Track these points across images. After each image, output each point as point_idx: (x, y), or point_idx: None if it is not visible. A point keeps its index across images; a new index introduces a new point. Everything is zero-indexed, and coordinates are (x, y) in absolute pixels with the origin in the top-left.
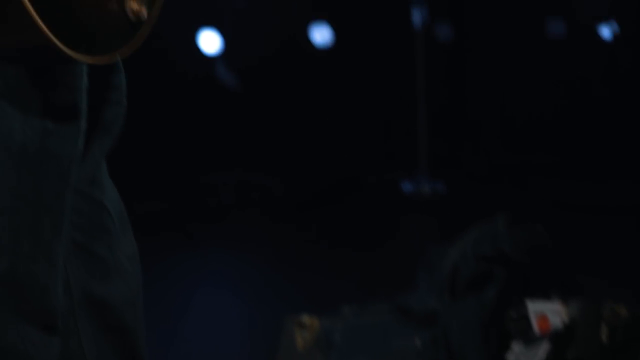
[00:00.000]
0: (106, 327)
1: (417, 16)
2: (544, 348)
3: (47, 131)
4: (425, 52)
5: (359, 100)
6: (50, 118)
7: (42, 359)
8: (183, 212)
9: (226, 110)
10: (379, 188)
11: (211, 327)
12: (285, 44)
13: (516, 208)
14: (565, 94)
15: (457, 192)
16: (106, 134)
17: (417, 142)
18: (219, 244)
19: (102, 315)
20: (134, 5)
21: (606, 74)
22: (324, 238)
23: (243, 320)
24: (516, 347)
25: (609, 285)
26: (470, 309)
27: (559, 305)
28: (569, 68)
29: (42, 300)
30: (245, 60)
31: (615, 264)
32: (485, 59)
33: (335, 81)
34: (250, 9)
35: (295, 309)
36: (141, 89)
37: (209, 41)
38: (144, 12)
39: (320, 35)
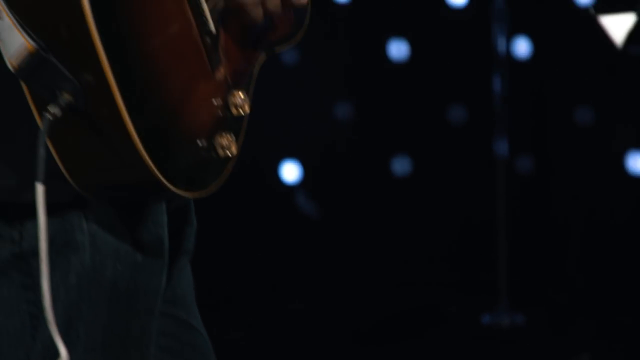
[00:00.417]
0: None
1: (500, 147)
2: None
3: (137, 266)
4: (506, 183)
5: (438, 228)
6: (139, 254)
7: None
8: (262, 340)
9: (306, 239)
10: (457, 319)
11: None
12: (365, 174)
13: (600, 347)
14: None
15: (538, 325)
16: (185, 254)
17: (497, 273)
18: None
19: None
20: (224, 141)
21: None
22: None
23: None
24: None
25: None
26: None
27: None
28: None
29: None
30: (326, 190)
31: None
32: (567, 192)
33: (414, 209)
34: (330, 140)
35: None
36: (221, 218)
37: (290, 171)
38: (234, 148)
39: (400, 165)
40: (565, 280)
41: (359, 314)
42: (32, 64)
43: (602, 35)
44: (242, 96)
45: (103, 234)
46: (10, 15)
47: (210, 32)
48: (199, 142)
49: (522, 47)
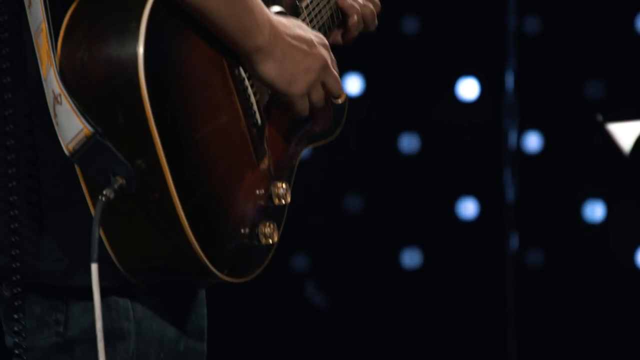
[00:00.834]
0: None
1: (510, 241)
2: None
3: (180, 355)
4: (516, 276)
5: (449, 321)
6: (182, 343)
7: None
8: None
9: (315, 329)
10: None
11: None
12: (375, 266)
13: None
14: None
15: None
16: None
17: None
18: None
19: None
20: (266, 230)
21: None
22: None
23: None
24: None
25: None
26: None
27: None
28: None
29: None
30: (335, 281)
31: None
32: (576, 285)
33: (424, 301)
34: (341, 232)
35: None
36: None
37: (301, 261)
38: (275, 236)
39: (410, 257)
40: None
41: None
42: (88, 148)
43: (610, 142)
44: (284, 187)
45: (149, 322)
46: (70, 100)
47: (256, 123)
48: (242, 229)
49: (532, 141)
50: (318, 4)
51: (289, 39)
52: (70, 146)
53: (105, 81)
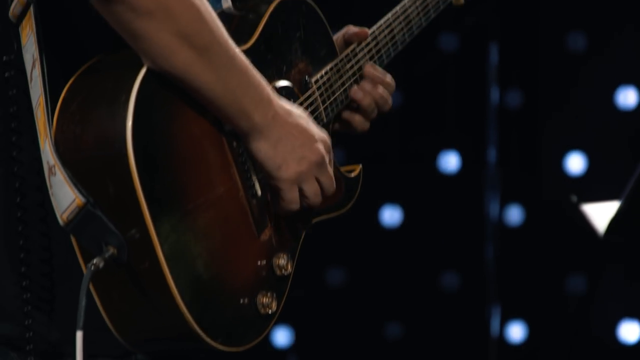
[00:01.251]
0: None
1: (492, 313)
2: None
3: None
4: (499, 351)
5: None
6: None
7: None
8: None
9: None
10: None
11: None
12: (358, 339)
13: None
14: None
15: None
16: None
17: None
18: None
19: None
20: (265, 300)
21: None
22: None
23: None
24: None
25: None
26: None
27: None
28: None
29: None
30: (318, 356)
31: None
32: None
33: None
34: (323, 305)
35: None
36: None
37: (282, 336)
38: (274, 306)
39: (392, 330)
40: None
41: None
42: (81, 218)
43: (585, 224)
44: (285, 258)
45: None
46: (63, 170)
47: (256, 194)
48: (240, 299)
49: (514, 214)
50: (329, 80)
51: (288, 125)
52: (65, 216)
53: (96, 152)
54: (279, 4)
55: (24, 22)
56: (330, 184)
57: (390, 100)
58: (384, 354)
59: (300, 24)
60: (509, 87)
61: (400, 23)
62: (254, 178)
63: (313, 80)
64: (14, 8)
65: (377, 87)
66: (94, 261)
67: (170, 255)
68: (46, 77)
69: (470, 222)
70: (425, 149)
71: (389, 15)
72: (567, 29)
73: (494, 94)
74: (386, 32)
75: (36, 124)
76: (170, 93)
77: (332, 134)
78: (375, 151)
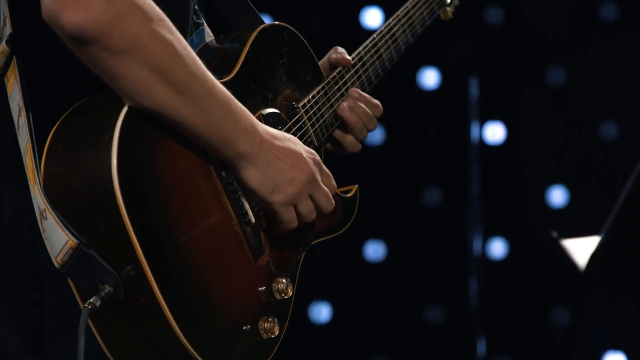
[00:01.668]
0: None
1: (477, 347)
2: None
3: None
4: None
5: None
6: None
7: None
8: None
9: None
10: None
11: None
12: None
13: None
14: None
15: None
16: None
17: None
18: None
19: None
20: (267, 325)
21: None
22: None
23: None
24: None
25: None
26: None
27: None
28: None
29: None
30: None
31: None
32: None
33: None
34: (307, 341)
35: None
36: None
37: None
38: (276, 330)
39: None
40: None
41: None
42: (75, 259)
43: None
44: (284, 282)
45: None
46: (54, 214)
47: (250, 222)
48: (242, 325)
49: (497, 248)
50: (317, 103)
51: (275, 150)
52: (59, 258)
53: (84, 193)
54: (259, 34)
55: (8, 73)
56: (324, 199)
57: (375, 120)
58: None
59: (283, 51)
60: (490, 121)
61: (386, 42)
62: (246, 205)
63: (300, 105)
64: None
65: (361, 106)
66: (91, 300)
67: (165, 287)
68: (32, 124)
69: (454, 256)
70: (408, 184)
71: (375, 35)
72: (546, 63)
73: (475, 129)
74: (372, 51)
75: (26, 171)
76: (154, 128)
77: (324, 157)
78: (359, 187)
